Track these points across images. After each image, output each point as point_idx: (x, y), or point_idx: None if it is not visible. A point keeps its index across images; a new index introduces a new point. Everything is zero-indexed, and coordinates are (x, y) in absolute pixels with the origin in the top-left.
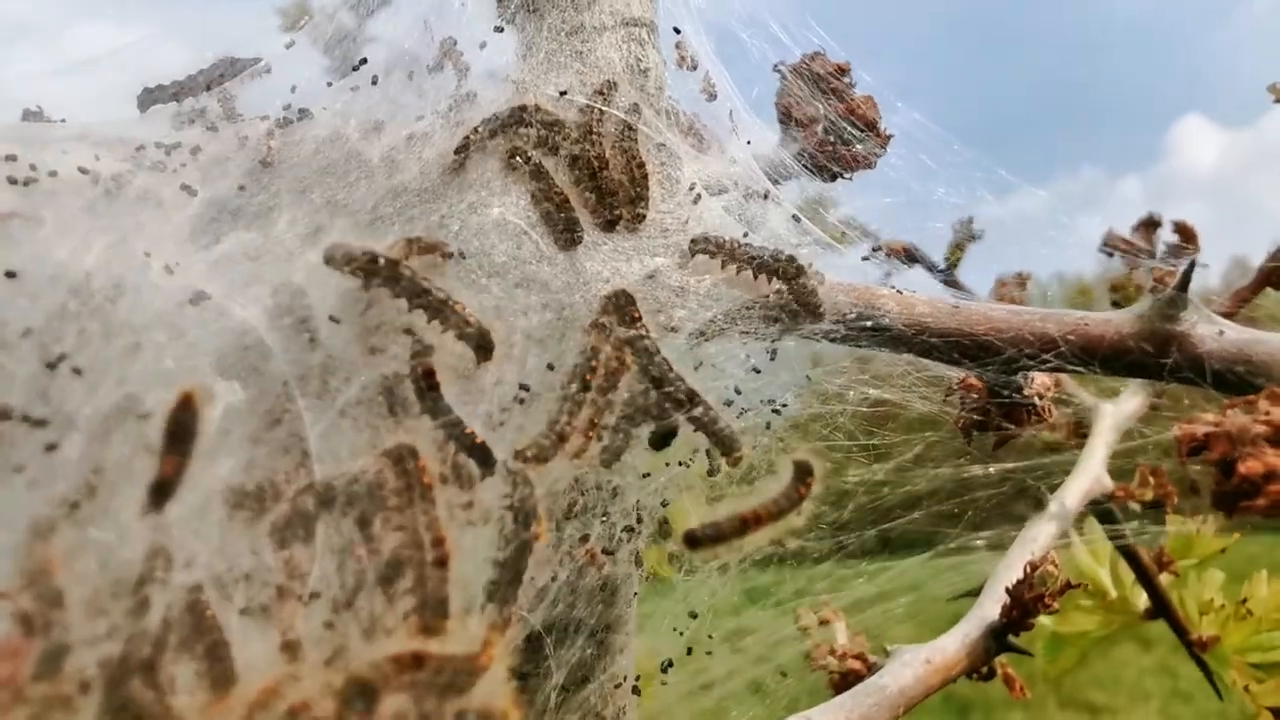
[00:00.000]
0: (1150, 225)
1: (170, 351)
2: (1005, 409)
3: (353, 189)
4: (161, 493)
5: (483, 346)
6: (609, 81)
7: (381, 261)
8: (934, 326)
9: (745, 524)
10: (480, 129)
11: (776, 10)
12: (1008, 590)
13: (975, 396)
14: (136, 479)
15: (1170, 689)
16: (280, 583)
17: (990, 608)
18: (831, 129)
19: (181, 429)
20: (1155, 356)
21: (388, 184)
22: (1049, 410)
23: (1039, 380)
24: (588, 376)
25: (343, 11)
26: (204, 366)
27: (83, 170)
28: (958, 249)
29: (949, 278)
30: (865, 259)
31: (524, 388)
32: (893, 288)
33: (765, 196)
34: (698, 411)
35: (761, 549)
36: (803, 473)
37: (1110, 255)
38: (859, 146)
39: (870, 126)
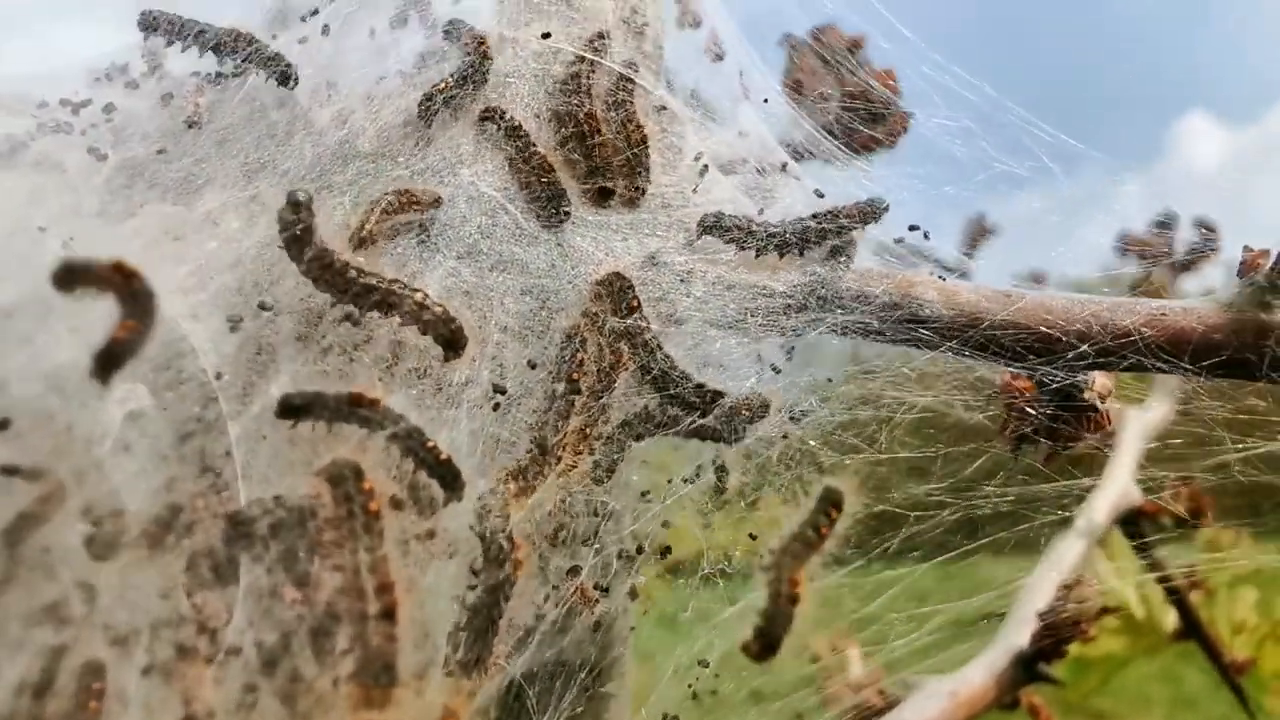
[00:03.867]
0: (1166, 224)
1: (64, 345)
2: (1057, 417)
3: (297, 155)
4: (110, 361)
5: (451, 342)
6: (600, 32)
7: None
8: (986, 318)
9: (780, 599)
10: (450, 80)
11: None
12: (1039, 615)
13: (1023, 402)
14: None
15: (1174, 695)
16: (184, 638)
17: (1017, 633)
18: (846, 108)
19: (137, 293)
20: (1251, 352)
21: (338, 149)
22: (1108, 418)
23: (1099, 382)
24: (576, 375)
25: None
26: None
27: None
28: (970, 247)
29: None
30: (898, 241)
31: (499, 390)
32: (932, 274)
33: (783, 168)
34: (711, 418)
35: None
36: (828, 502)
37: (1123, 256)
38: (875, 127)
39: (888, 105)
